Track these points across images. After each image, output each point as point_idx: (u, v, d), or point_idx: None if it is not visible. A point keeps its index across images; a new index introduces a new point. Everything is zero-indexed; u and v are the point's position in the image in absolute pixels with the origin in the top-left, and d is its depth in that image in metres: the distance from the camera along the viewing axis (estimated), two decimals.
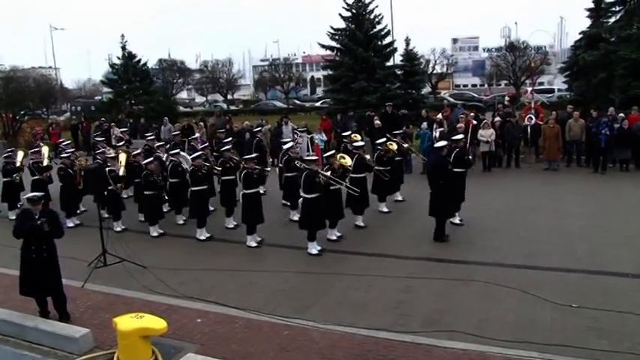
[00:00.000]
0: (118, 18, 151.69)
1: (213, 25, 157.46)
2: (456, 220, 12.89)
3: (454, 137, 13.50)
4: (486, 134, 19.10)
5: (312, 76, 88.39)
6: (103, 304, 9.08)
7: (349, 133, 15.92)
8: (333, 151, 12.71)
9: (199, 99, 73.97)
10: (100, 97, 54.15)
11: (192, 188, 12.99)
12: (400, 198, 15.64)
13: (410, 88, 30.37)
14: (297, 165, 12.72)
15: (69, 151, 15.90)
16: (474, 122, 18.57)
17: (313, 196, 11.24)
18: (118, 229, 13.92)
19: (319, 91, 74.46)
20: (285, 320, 8.20)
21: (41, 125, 33.92)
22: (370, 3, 29.49)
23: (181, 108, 51.02)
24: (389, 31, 30.79)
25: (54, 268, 8.43)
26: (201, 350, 7.17)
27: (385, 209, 14.59)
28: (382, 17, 30.07)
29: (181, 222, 14.36)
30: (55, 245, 8.47)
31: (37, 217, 8.28)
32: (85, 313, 8.75)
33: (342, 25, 29.94)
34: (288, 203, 14.62)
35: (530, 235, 11.92)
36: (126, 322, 6.67)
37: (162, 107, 35.96)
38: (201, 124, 24.64)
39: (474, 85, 73.93)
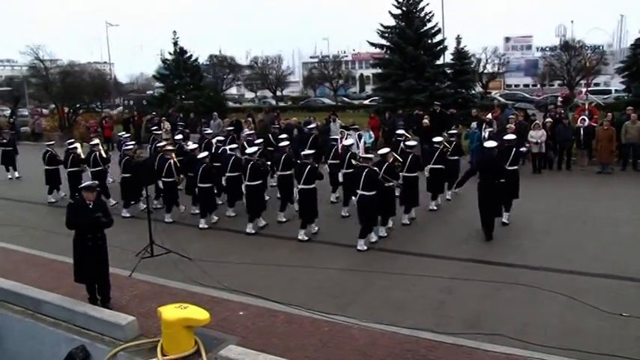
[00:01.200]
0: (170, 14, 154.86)
1: (263, 21, 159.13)
2: (504, 219, 12.87)
3: (506, 137, 13.68)
4: (536, 135, 18.70)
5: (362, 74, 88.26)
6: (148, 294, 9.31)
7: (402, 132, 16.10)
8: (387, 149, 12.81)
9: (249, 95, 74.77)
10: (151, 92, 55.29)
11: (249, 183, 13.12)
12: (448, 197, 15.59)
13: (460, 87, 29.93)
14: (356, 163, 12.84)
15: (129, 143, 16.33)
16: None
17: (372, 193, 11.41)
18: (169, 220, 14.35)
19: (368, 88, 74.25)
20: (326, 316, 8.23)
21: (95, 118, 34.92)
22: (421, 1, 29.20)
23: (230, 103, 51.64)
24: (439, 29, 30.38)
25: (105, 256, 8.78)
26: (242, 342, 7.25)
27: (435, 207, 14.66)
28: (433, 15, 29.74)
29: (233, 214, 14.61)
30: (105, 234, 8.78)
31: (90, 206, 8.56)
32: (131, 301, 9.00)
33: (392, 22, 29.71)
34: (334, 200, 14.72)
35: (578, 240, 11.62)
36: (170, 312, 6.83)
37: (211, 102, 36.48)
38: (250, 119, 24.90)
39: (526, 85, 72.46)
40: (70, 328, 8.02)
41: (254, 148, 13.78)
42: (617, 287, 9.06)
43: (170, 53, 38.35)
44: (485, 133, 17.90)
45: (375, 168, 11.74)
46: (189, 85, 37.55)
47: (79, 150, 16.82)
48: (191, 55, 38.39)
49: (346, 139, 15.56)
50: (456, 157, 15.54)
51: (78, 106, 37.62)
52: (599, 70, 49.24)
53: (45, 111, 45.36)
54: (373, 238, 12.01)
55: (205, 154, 14.21)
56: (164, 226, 12.83)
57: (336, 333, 7.64)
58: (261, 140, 15.79)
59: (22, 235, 13.39)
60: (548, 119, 19.81)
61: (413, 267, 10.34)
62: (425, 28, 29.43)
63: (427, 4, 29.41)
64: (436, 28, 29.98)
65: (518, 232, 12.38)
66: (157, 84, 48.37)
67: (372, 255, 11.20)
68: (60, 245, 11.04)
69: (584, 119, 19.84)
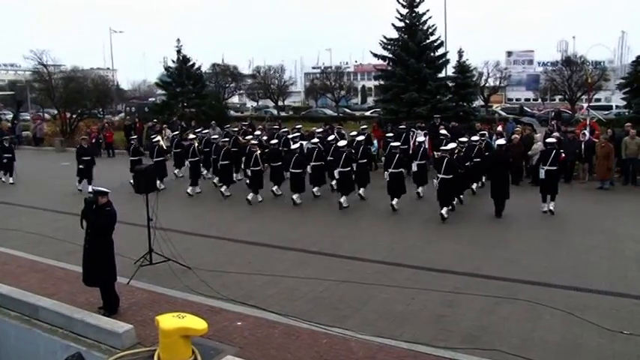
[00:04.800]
0: (174, 23, 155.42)
1: (267, 31, 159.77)
2: (550, 207, 15.23)
3: (548, 140, 16.64)
4: (536, 148, 18.79)
5: (364, 85, 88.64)
6: (146, 302, 9.27)
7: (445, 132, 19.68)
8: (454, 144, 16.11)
9: (250, 104, 74.95)
10: (153, 99, 55.39)
11: (342, 169, 16.41)
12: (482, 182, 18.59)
13: (461, 100, 29.88)
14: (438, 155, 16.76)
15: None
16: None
17: (450, 176, 14.57)
18: (260, 198, 17.55)
19: (370, 100, 74.46)
20: (325, 328, 8.18)
21: (97, 124, 34.99)
22: (424, 14, 29.18)
23: (232, 112, 51.74)
24: (442, 42, 30.32)
25: (99, 264, 8.64)
26: (240, 353, 7.23)
27: (475, 189, 18.03)
28: (436, 28, 29.70)
29: (318, 194, 17.97)
30: (104, 240, 8.68)
31: (93, 207, 8.61)
32: (129, 309, 8.95)
33: (395, 35, 29.72)
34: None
35: (578, 256, 11.58)
36: (168, 321, 6.79)
37: (213, 111, 36.54)
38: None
39: (527, 100, 72.61)
40: (67, 334, 8.00)
41: (344, 141, 17.71)
42: (618, 304, 9.01)
43: (173, 61, 38.53)
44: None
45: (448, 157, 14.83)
46: (192, 93, 37.58)
47: (162, 142, 20.25)
48: (194, 64, 38.50)
49: (417, 137, 19.54)
50: (487, 153, 17.98)
51: (80, 111, 37.65)
52: (601, 85, 49.35)
53: (47, 116, 45.44)
54: (445, 214, 14.81)
55: (298, 145, 18.18)
56: (162, 233, 12.80)
57: (335, 345, 7.59)
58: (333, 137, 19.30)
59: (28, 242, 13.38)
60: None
61: (413, 280, 10.31)
62: (427, 41, 29.42)
63: (430, 18, 29.43)
64: (439, 42, 29.96)
65: (518, 246, 12.36)
66: (159, 91, 48.49)
67: (371, 268, 11.15)
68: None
69: (584, 134, 19.91)
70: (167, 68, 39.77)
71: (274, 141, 19.19)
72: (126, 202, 16.10)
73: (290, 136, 21.03)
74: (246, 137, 20.50)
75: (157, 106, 40.01)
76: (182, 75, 37.52)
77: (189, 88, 37.60)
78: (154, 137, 20.69)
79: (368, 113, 49.24)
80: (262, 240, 13.26)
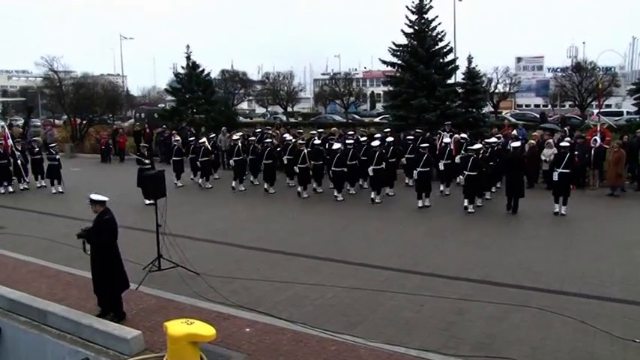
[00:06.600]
0: (183, 29, 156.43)
1: (276, 37, 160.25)
2: (562, 210, 15.62)
3: (562, 144, 16.97)
4: (547, 153, 18.72)
5: (372, 92, 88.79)
6: (155, 308, 9.26)
7: (465, 135, 21.04)
8: (480, 145, 17.35)
9: (259, 110, 75.09)
10: (163, 105, 55.60)
11: (375, 167, 17.83)
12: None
13: (470, 106, 29.77)
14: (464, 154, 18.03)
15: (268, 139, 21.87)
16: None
17: (475, 174, 16.12)
18: (306, 195, 19.29)
19: (379, 106, 74.46)
20: (334, 335, 8.13)
21: (107, 130, 35.17)
22: (433, 20, 29.14)
23: (241, 118, 51.85)
24: (451, 48, 30.24)
25: (101, 271, 8.67)
26: None
27: (494, 190, 18.86)
28: (445, 34, 29.64)
29: (353, 192, 19.86)
30: (107, 253, 8.68)
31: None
32: (137, 315, 8.94)
33: (404, 41, 29.68)
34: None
35: (590, 263, 11.48)
36: (176, 327, 6.76)
37: (222, 117, 36.58)
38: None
39: (537, 106, 72.33)
40: (76, 340, 7.99)
41: (377, 142, 18.91)
42: (630, 312, 8.92)
43: (183, 67, 38.64)
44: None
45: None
46: (201, 99, 37.64)
47: (207, 144, 22.05)
48: (203, 70, 38.59)
49: (443, 138, 20.55)
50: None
51: (90, 117, 37.89)
52: (611, 91, 49.06)
53: (58, 122, 45.70)
54: (471, 209, 16.38)
55: (339, 145, 19.24)
56: (170, 239, 12.81)
57: (343, 352, 7.54)
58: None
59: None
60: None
61: (422, 287, 10.24)
62: (437, 47, 29.35)
63: (439, 24, 29.37)
64: (448, 48, 29.89)
65: (528, 253, 12.27)
66: (169, 97, 48.65)
67: (381, 274, 11.10)
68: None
69: (595, 140, 19.80)
70: (177, 74, 39.91)
71: (317, 141, 20.92)
72: (135, 207, 16.22)
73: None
74: (288, 138, 22.54)
75: (167, 112, 40.08)
76: (191, 81, 37.63)
77: (199, 95, 37.67)
78: (201, 140, 22.51)
79: (377, 119, 49.20)
80: (271, 246, 13.24)
